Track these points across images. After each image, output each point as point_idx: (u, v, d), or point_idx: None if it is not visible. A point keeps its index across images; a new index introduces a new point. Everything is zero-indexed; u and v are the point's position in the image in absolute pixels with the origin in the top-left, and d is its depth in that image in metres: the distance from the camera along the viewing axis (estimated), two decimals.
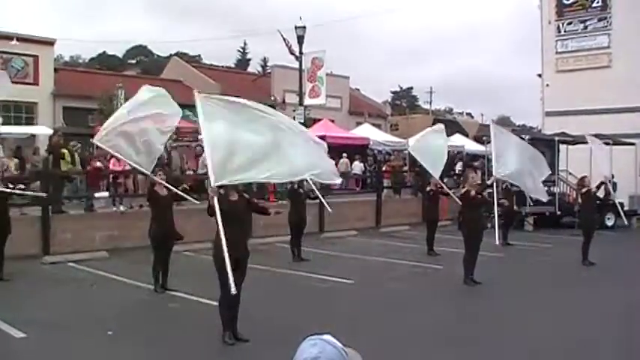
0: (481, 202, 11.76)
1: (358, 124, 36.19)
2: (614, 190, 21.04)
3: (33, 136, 23.28)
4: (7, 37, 27.47)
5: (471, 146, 33.95)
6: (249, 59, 73.94)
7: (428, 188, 15.81)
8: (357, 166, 27.86)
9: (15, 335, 7.79)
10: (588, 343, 7.76)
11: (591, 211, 14.37)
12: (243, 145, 7.29)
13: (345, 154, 27.86)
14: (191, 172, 19.29)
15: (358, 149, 29.80)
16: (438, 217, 15.69)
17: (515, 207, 18.79)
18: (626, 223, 17.84)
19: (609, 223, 21.17)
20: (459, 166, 27.67)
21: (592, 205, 14.40)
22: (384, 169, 24.87)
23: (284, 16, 71.89)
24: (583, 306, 9.90)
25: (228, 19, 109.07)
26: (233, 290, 6.80)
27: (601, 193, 15.54)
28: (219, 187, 7.60)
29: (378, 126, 37.84)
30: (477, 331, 8.49)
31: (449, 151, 30.66)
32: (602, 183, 14.61)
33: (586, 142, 22.19)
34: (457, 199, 12.83)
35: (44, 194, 13.81)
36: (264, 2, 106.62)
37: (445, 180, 16.00)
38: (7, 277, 11.29)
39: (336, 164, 27.69)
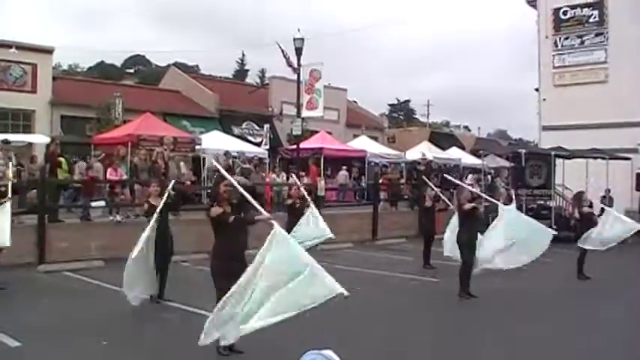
0: (477, 214, 11.79)
1: (355, 136, 36.25)
2: (611, 205, 21.12)
3: (30, 144, 23.25)
4: (6, 45, 27.50)
5: (468, 160, 34.03)
6: (248, 70, 74.20)
7: (426, 204, 15.73)
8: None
9: (10, 344, 7.77)
10: (586, 357, 7.77)
11: (587, 226, 14.36)
12: None
13: (344, 167, 27.93)
14: (188, 183, 19.27)
15: (355, 161, 29.88)
16: (435, 231, 15.67)
17: None
18: None
19: None
20: (469, 179, 27.15)
21: (589, 220, 14.39)
22: (380, 181, 24.87)
23: (282, 28, 72.13)
24: (580, 319, 9.93)
25: (227, 30, 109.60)
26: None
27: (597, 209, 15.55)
28: (212, 200, 7.68)
29: (375, 138, 37.89)
30: (474, 344, 8.48)
31: (445, 164, 31.03)
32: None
33: (583, 157, 22.43)
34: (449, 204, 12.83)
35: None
36: (264, 14, 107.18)
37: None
38: (2, 286, 11.25)
39: (334, 177, 27.95)
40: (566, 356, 7.83)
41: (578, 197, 14.80)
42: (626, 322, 9.83)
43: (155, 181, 11.38)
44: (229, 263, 7.29)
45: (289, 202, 14.62)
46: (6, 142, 16.61)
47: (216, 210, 7.50)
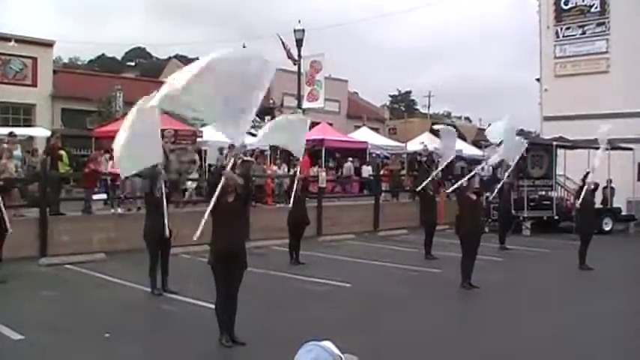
0: (479, 206, 11.79)
1: (356, 127, 36.22)
2: (613, 195, 21.13)
3: (31, 137, 23.25)
4: (6, 38, 27.47)
5: (469, 150, 34.00)
6: None
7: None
8: (366, 170, 27.87)
9: (12, 337, 7.78)
10: (586, 348, 7.79)
11: (589, 216, 14.37)
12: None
13: (350, 159, 27.91)
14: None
15: (356, 153, 29.83)
16: (436, 221, 15.68)
17: (512, 211, 18.87)
18: None
19: (607, 227, 21.20)
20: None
21: (590, 210, 14.40)
22: (382, 172, 24.85)
23: (283, 19, 71.96)
24: (581, 310, 9.92)
25: (228, 22, 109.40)
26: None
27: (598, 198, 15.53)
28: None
29: (376, 130, 37.85)
30: (475, 335, 8.50)
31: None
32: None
33: (584, 147, 22.37)
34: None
35: None
36: (264, 5, 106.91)
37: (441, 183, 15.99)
38: (3, 279, 11.26)
39: (336, 168, 27.89)
40: (566, 347, 7.84)
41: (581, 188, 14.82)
42: (628, 313, 9.82)
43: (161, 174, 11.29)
44: (226, 260, 7.28)
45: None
46: (12, 135, 16.63)
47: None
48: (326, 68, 26.01)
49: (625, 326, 8.94)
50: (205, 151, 23.83)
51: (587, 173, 14.29)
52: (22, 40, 27.94)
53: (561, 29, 29.01)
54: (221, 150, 21.61)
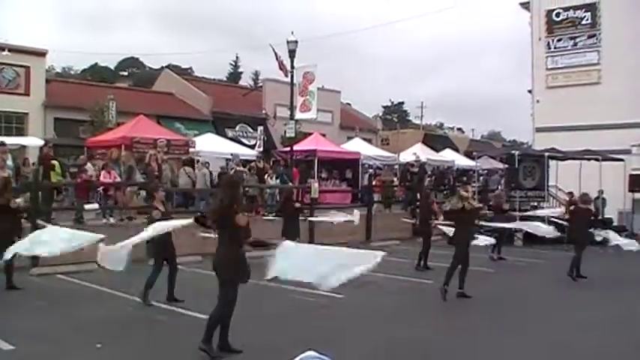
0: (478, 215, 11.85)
1: (349, 138, 36.26)
2: (604, 206, 21.18)
3: (23, 147, 23.18)
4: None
5: (462, 161, 34.12)
6: (241, 72, 74.16)
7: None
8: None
9: (3, 347, 7.73)
10: (586, 355, 7.82)
11: (583, 226, 14.38)
12: None
13: (370, 170, 28.06)
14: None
15: (348, 163, 29.90)
16: (431, 232, 15.63)
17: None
18: None
19: (598, 238, 21.22)
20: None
21: (583, 221, 14.43)
22: (374, 183, 24.89)
23: (277, 30, 72.12)
24: (578, 318, 9.97)
25: (221, 32, 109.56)
26: None
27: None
28: (231, 205, 7.65)
29: (369, 140, 37.92)
30: (473, 343, 8.49)
31: (438, 166, 31.08)
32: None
33: (576, 158, 22.48)
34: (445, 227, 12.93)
35: None
36: (258, 15, 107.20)
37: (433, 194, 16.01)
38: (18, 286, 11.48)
39: (328, 178, 27.90)
40: (566, 355, 7.86)
41: (569, 200, 14.96)
42: (623, 321, 9.85)
43: (162, 187, 11.33)
44: (243, 270, 7.33)
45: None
46: (2, 144, 16.59)
47: (244, 219, 7.46)
48: (319, 79, 25.94)
49: (621, 333, 8.97)
50: (198, 161, 23.80)
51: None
52: (14, 49, 27.92)
53: (553, 41, 29.20)
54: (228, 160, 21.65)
